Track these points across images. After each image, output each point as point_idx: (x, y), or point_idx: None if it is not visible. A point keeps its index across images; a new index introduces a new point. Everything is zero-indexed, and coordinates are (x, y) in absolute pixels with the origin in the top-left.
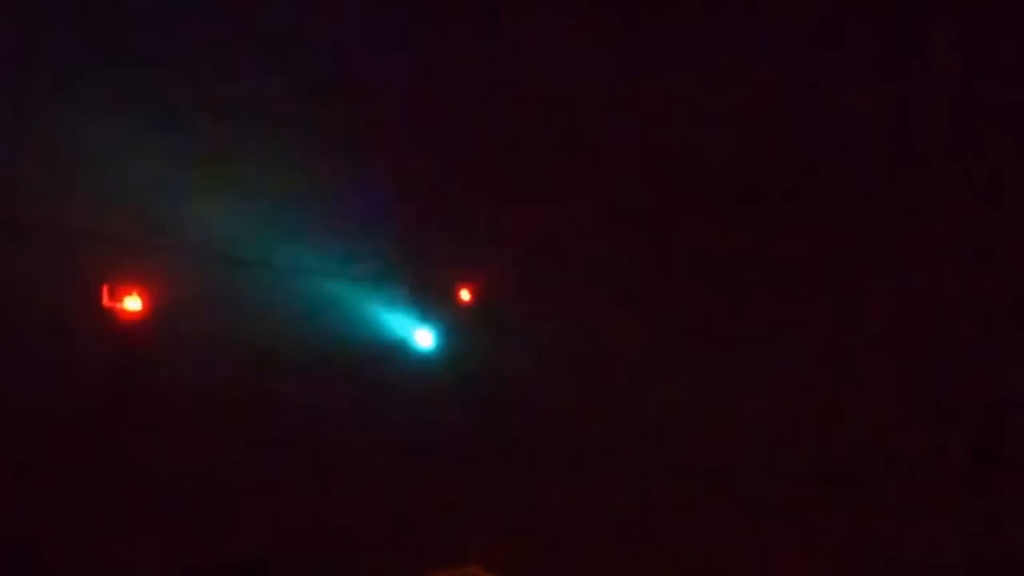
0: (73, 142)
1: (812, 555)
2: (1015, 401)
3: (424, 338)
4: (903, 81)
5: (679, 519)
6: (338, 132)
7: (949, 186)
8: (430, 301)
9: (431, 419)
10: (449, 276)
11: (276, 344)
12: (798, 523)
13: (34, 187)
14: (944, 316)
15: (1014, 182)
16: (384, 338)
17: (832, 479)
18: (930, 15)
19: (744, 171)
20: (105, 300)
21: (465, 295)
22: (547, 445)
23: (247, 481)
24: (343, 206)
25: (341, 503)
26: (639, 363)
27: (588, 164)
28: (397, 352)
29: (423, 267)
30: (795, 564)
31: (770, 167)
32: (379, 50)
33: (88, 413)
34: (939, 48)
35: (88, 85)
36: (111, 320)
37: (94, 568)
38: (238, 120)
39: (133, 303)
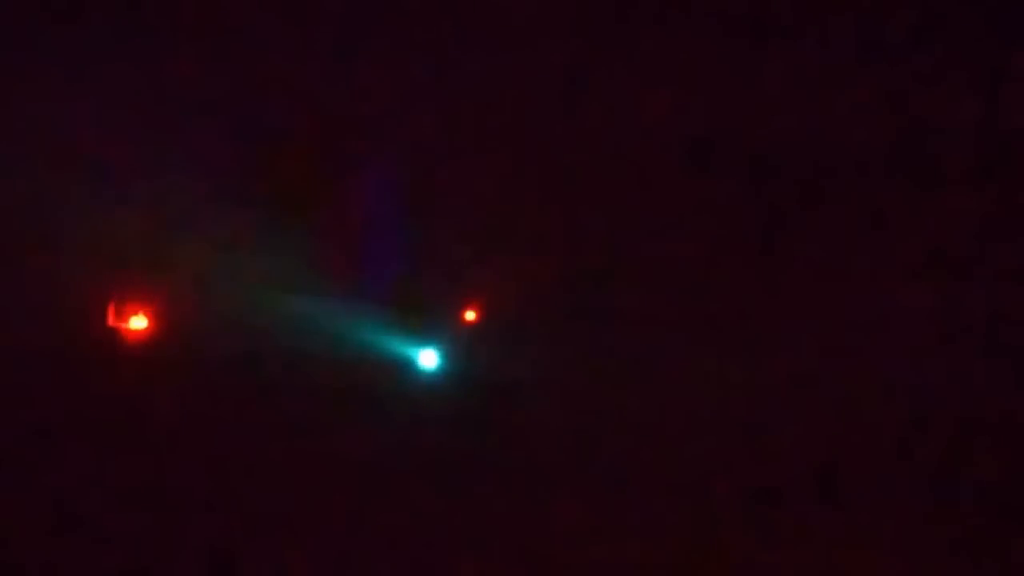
0: (77, 154)
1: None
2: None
3: (428, 358)
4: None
5: (686, 540)
6: (344, 146)
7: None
8: (434, 320)
9: (434, 439)
10: (453, 295)
11: (278, 363)
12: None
13: (36, 199)
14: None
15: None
16: (388, 358)
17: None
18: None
19: (753, 174)
20: (110, 319)
21: (470, 314)
22: (552, 465)
23: (249, 497)
24: (349, 223)
25: (342, 522)
26: (649, 380)
27: (594, 170)
28: (401, 372)
29: (427, 286)
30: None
31: (779, 169)
32: (381, 55)
33: (90, 429)
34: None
35: (93, 93)
36: (116, 339)
37: None
38: (246, 132)
39: (139, 322)
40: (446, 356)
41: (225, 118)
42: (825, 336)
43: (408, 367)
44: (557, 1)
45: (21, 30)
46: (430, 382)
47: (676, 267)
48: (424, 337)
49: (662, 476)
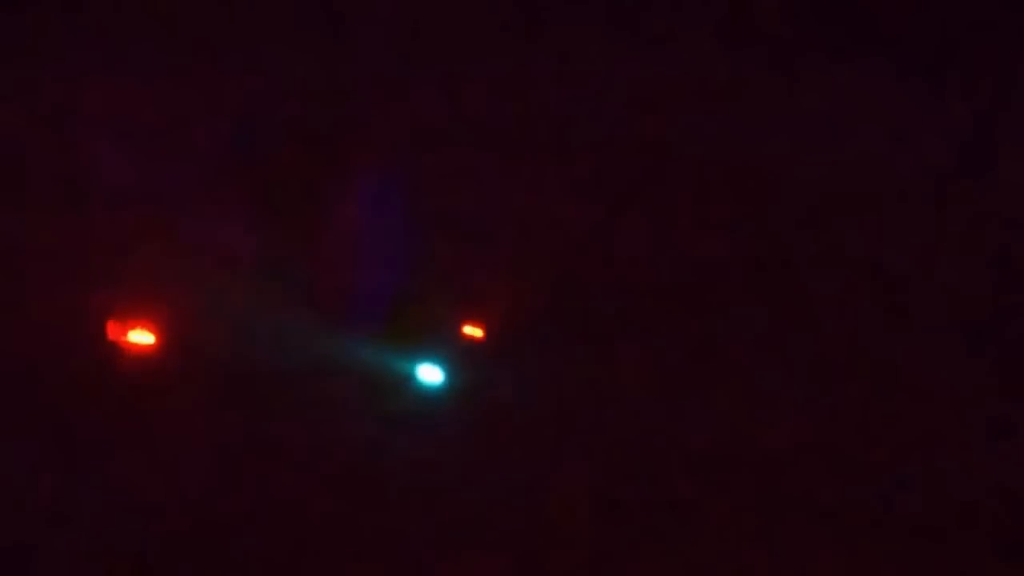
0: (78, 161)
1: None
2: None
3: (431, 374)
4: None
5: (691, 555)
6: (347, 155)
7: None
8: (436, 334)
9: (435, 454)
10: (456, 308)
11: (280, 378)
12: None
13: (36, 209)
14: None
15: None
16: (391, 373)
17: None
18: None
19: (770, 183)
20: (111, 333)
21: (474, 330)
22: (555, 478)
23: (255, 514)
24: (353, 237)
25: (345, 536)
26: (657, 395)
27: (604, 179)
28: (405, 387)
29: (429, 299)
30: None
31: (783, 184)
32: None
33: (89, 444)
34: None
35: (92, 98)
36: (118, 355)
37: None
38: (253, 140)
39: (141, 337)
40: (448, 371)
41: (232, 123)
42: (831, 348)
43: (409, 382)
44: (561, 5)
45: (22, 31)
46: (431, 397)
47: (685, 280)
48: (425, 351)
49: (668, 490)
